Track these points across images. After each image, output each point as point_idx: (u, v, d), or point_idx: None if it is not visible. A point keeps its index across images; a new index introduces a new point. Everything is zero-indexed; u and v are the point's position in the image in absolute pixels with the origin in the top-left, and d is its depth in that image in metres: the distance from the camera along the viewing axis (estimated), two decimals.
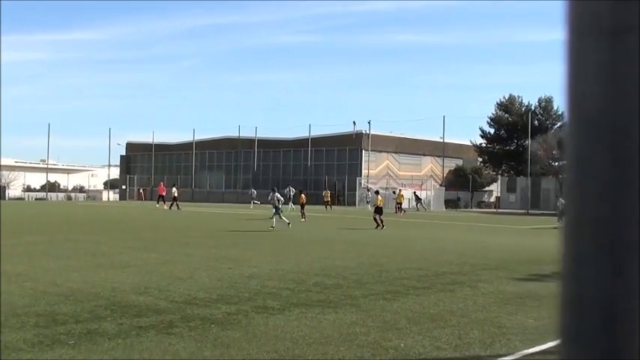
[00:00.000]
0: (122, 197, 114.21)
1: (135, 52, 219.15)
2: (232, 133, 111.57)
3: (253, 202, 64.08)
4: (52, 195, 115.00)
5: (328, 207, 70.26)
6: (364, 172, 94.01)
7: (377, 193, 43.35)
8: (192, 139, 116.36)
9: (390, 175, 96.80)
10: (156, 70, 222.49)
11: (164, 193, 68.97)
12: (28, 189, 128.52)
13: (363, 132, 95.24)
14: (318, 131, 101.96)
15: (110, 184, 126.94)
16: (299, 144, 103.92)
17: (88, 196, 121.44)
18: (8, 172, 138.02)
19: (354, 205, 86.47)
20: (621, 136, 1.26)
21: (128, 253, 22.31)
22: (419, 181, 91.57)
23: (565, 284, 1.34)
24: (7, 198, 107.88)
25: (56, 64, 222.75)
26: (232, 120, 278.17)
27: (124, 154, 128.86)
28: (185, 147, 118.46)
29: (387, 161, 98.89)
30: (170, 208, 61.91)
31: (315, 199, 74.21)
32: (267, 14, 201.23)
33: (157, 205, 66.12)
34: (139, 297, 13.48)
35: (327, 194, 73.92)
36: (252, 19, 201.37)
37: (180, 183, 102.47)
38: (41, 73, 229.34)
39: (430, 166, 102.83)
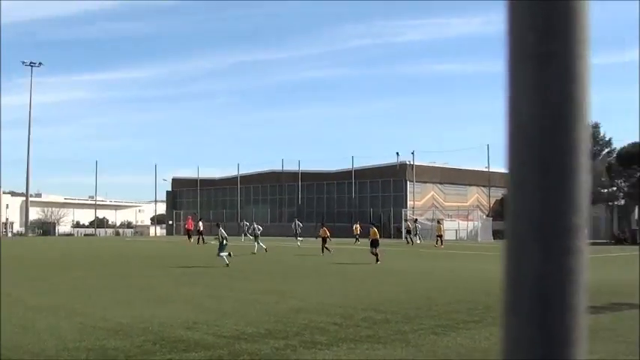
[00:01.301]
0: (169, 232, 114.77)
1: (178, 89, 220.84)
2: (276, 166, 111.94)
3: (297, 235, 62.63)
4: (101, 231, 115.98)
5: (357, 240, 68.88)
6: (409, 203, 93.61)
7: (372, 225, 42.07)
8: (236, 173, 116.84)
9: (435, 206, 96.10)
10: (198, 107, 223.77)
11: (192, 228, 69.26)
12: (77, 225, 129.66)
13: (407, 163, 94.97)
14: (361, 163, 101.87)
15: (157, 220, 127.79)
16: (343, 176, 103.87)
17: (136, 232, 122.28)
18: (58, 209, 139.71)
19: (400, 237, 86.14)
20: (549, 144, 1.53)
21: (175, 288, 22.41)
22: (465, 212, 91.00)
23: (506, 265, 1.58)
24: (57, 234, 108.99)
25: (101, 102, 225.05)
26: (276, 154, 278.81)
27: (170, 189, 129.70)
28: (230, 181, 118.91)
29: (433, 192, 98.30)
30: (198, 242, 62.40)
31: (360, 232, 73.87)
32: (306, 49, 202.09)
33: (191, 241, 66.11)
34: (187, 332, 13.52)
35: (356, 227, 72.70)
36: (293, 54, 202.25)
37: (225, 217, 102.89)
38: (87, 111, 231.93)
39: (476, 196, 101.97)
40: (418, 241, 67.86)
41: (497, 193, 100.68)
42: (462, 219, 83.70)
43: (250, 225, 48.38)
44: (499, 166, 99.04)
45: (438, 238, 61.28)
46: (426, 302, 18.58)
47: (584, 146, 1.54)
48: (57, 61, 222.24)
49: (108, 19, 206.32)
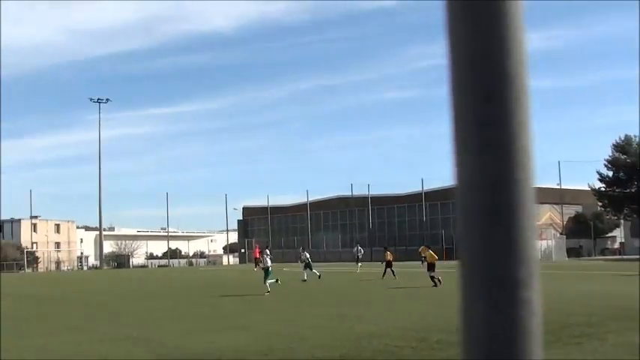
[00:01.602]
0: (242, 261, 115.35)
1: (243, 119, 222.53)
2: (345, 191, 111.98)
3: (358, 260, 60.58)
4: (174, 261, 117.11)
5: (423, 263, 68.28)
6: None
7: (428, 247, 40.12)
8: (306, 200, 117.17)
9: None
10: (265, 135, 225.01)
11: (259, 256, 69.55)
12: (151, 256, 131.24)
13: None
14: (431, 185, 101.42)
15: (229, 249, 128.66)
16: (413, 199, 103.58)
17: (209, 261, 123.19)
18: (131, 242, 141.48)
19: None
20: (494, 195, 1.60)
21: (249, 315, 22.49)
22: (538, 231, 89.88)
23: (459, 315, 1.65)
24: (131, 266, 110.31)
25: (170, 135, 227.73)
26: (344, 179, 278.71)
27: (241, 218, 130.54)
28: (299, 208, 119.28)
29: None
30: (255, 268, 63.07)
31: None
32: (372, 72, 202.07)
33: (255, 269, 66.39)
34: (262, 358, 13.55)
35: (424, 249, 71.73)
36: (352, 79, 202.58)
37: (296, 244, 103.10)
38: (156, 145, 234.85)
39: (549, 214, 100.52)
40: None
41: (571, 211, 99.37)
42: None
43: (302, 252, 47.99)
44: (572, 183, 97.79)
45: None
46: None
47: (529, 194, 1.64)
48: (125, 96, 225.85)
49: (172, 53, 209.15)
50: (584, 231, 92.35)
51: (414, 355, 13.66)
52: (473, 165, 1.63)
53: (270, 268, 34.33)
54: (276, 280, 33.82)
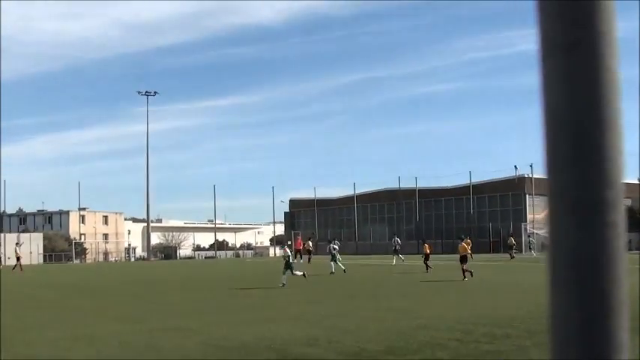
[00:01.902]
0: None
1: (290, 112, 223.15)
2: (392, 184, 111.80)
3: (397, 252, 58.83)
4: (221, 253, 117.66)
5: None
6: (529, 217, 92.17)
7: (461, 239, 39.04)
8: (353, 192, 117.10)
9: None
10: (312, 128, 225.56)
11: (301, 247, 69.76)
12: (198, 248, 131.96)
13: (526, 176, 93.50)
14: (479, 178, 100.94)
15: (276, 240, 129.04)
16: (460, 192, 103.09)
17: (256, 253, 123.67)
18: (178, 233, 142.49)
19: (521, 251, 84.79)
20: (579, 130, 1.61)
21: (296, 306, 22.60)
22: None
23: (549, 242, 1.66)
24: (178, 257, 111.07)
25: (217, 128, 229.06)
26: (392, 172, 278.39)
27: (287, 210, 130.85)
28: (346, 201, 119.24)
29: None
30: (309, 261, 63.07)
31: (477, 248, 73.04)
32: (415, 65, 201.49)
33: (294, 260, 66.53)
34: (308, 349, 13.61)
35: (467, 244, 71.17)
36: (400, 72, 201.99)
37: (343, 236, 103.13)
38: (204, 137, 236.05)
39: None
40: (534, 255, 67.36)
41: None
42: None
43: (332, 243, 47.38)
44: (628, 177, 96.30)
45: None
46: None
47: (617, 125, 1.61)
48: (173, 89, 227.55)
49: (220, 46, 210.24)
50: (633, 225, 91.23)
51: (460, 347, 13.64)
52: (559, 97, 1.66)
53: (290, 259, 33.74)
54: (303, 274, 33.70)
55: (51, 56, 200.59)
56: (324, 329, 16.61)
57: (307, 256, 65.44)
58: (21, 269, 53.81)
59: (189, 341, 14.98)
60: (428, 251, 44.59)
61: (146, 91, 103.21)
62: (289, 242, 36.49)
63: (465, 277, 33.99)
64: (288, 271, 32.39)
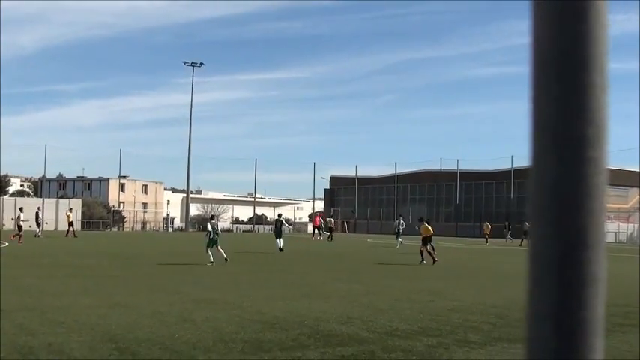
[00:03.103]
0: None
1: (335, 89, 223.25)
2: (434, 166, 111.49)
3: (399, 235, 54.72)
4: (259, 227, 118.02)
5: (489, 240, 68.04)
6: None
7: (421, 221, 37.12)
8: (394, 172, 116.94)
9: None
10: (356, 105, 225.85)
11: (319, 225, 70.43)
12: (236, 221, 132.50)
13: None
14: (521, 163, 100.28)
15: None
16: (502, 176, 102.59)
17: (294, 229, 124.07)
18: (217, 206, 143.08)
19: None
20: (566, 61, 1.60)
21: (332, 284, 22.64)
22: (626, 214, 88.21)
23: (531, 176, 1.66)
24: None
25: (261, 101, 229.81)
26: (434, 153, 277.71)
27: (328, 187, 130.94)
28: (387, 180, 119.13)
29: None
30: (329, 239, 63.39)
31: (517, 234, 72.62)
32: (462, 48, 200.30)
33: (313, 238, 66.75)
34: (341, 326, 13.61)
35: (486, 227, 70.75)
36: (447, 53, 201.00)
37: (383, 216, 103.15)
38: (247, 110, 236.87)
39: (637, 197, 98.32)
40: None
41: None
42: (622, 221, 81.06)
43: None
44: None
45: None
46: None
47: (602, 62, 1.60)
48: (219, 61, 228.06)
49: (268, 20, 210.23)
50: None
51: (492, 331, 13.58)
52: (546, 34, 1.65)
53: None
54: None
55: (98, 23, 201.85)
56: (358, 307, 16.63)
57: (328, 234, 65.73)
58: (19, 240, 47.93)
59: (222, 314, 15.04)
60: (427, 234, 43.54)
61: (192, 62, 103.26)
62: (213, 216, 32.51)
63: (422, 260, 33.36)
64: (214, 247, 30.69)
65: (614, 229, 76.75)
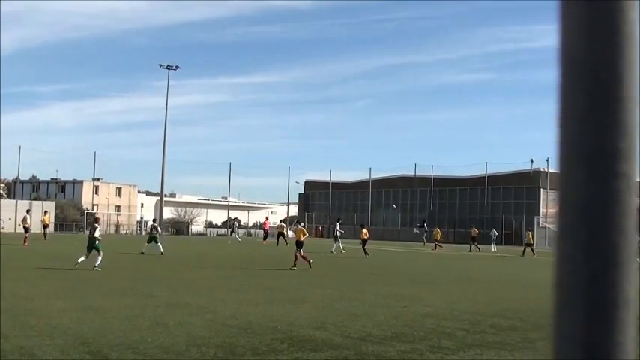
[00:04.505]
0: None
1: (312, 93, 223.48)
2: (408, 171, 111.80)
3: (337, 239, 52.31)
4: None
5: (474, 246, 66.11)
6: (542, 211, 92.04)
7: (298, 223, 39.51)
8: (368, 177, 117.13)
9: None
10: (332, 110, 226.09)
11: (268, 229, 75.64)
12: (210, 225, 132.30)
13: (541, 170, 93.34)
14: (494, 169, 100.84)
15: (289, 222, 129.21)
16: (475, 182, 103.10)
17: (270, 234, 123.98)
18: (191, 209, 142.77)
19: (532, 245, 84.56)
20: (597, 75, 1.55)
21: (305, 289, 22.64)
22: None
23: (558, 191, 1.60)
24: (190, 233, 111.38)
25: (237, 105, 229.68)
26: (408, 159, 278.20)
27: (302, 192, 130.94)
28: (362, 185, 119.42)
29: None
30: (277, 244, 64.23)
31: (486, 239, 72.62)
32: (439, 54, 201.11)
33: (264, 242, 66.49)
34: (315, 332, 13.60)
35: (473, 230, 69.52)
36: (424, 59, 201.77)
37: (356, 220, 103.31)
38: (223, 114, 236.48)
39: None
40: (493, 248, 67.76)
41: None
42: None
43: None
44: None
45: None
46: None
47: (634, 76, 1.56)
48: (195, 64, 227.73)
49: (245, 23, 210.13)
50: None
51: (466, 337, 13.61)
52: (577, 45, 1.61)
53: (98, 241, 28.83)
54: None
55: (75, 25, 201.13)
56: (332, 312, 16.63)
57: (280, 238, 65.58)
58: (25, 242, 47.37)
59: (195, 318, 15.00)
60: (366, 236, 46.76)
61: (168, 65, 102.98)
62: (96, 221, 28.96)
63: (294, 266, 32.12)
64: (94, 251, 28.50)
65: None
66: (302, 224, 35.83)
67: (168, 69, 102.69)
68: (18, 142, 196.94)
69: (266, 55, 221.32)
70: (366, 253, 43.83)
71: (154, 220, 48.30)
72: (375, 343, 12.56)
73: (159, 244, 40.39)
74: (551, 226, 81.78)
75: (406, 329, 14.33)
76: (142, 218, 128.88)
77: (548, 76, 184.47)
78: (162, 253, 38.52)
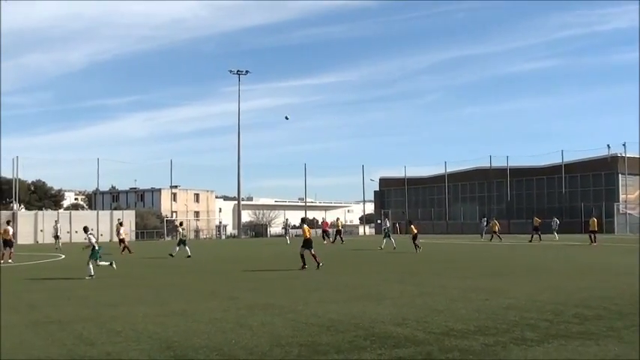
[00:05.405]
0: (378, 231, 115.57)
1: (380, 91, 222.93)
2: (484, 163, 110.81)
3: (387, 234, 53.09)
4: (312, 231, 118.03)
5: (535, 235, 63.78)
6: (622, 197, 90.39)
7: (303, 221, 36.49)
8: (444, 171, 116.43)
9: None
10: (402, 106, 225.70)
11: (327, 229, 73.78)
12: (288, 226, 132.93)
13: (619, 155, 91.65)
14: (571, 157, 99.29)
15: (365, 219, 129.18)
16: (552, 171, 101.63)
17: (345, 231, 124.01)
18: (269, 211, 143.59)
19: (613, 232, 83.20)
20: None
21: (385, 286, 22.61)
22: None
23: None
24: (268, 235, 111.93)
25: (308, 107, 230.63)
26: (483, 150, 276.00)
27: (377, 189, 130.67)
28: (437, 180, 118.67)
29: None
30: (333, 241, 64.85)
31: (565, 228, 71.35)
32: (507, 43, 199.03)
33: (325, 242, 65.24)
34: (397, 328, 13.58)
35: (535, 220, 67.25)
36: (492, 50, 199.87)
37: (434, 216, 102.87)
38: (295, 116, 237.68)
39: None
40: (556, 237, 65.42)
41: None
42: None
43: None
44: None
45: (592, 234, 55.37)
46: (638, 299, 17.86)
47: None
48: (263, 68, 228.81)
49: (311, 25, 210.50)
50: None
51: (550, 328, 13.45)
52: None
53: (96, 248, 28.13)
54: (110, 263, 28.98)
55: (141, 37, 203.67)
56: (413, 308, 16.59)
57: (335, 237, 65.97)
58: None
59: (278, 318, 15.09)
60: (415, 231, 45.79)
61: (238, 70, 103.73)
62: (91, 230, 28.19)
63: (304, 266, 31.08)
64: (93, 260, 27.77)
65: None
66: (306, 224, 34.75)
67: (239, 74, 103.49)
68: (96, 154, 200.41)
69: (332, 56, 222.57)
70: (416, 248, 43.63)
71: (181, 224, 50.41)
72: (457, 337, 12.49)
73: (186, 247, 42.54)
74: (633, 212, 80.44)
75: (489, 322, 14.22)
76: (220, 222, 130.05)
77: (622, 57, 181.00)
78: (189, 256, 40.71)
